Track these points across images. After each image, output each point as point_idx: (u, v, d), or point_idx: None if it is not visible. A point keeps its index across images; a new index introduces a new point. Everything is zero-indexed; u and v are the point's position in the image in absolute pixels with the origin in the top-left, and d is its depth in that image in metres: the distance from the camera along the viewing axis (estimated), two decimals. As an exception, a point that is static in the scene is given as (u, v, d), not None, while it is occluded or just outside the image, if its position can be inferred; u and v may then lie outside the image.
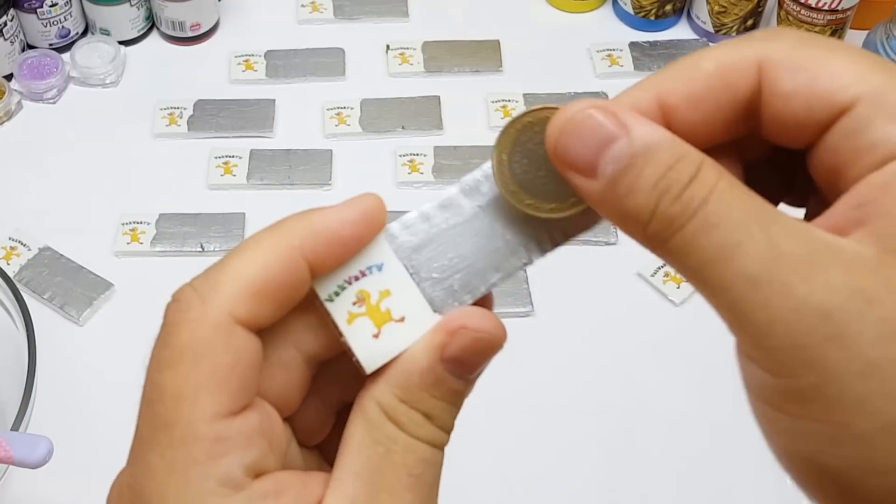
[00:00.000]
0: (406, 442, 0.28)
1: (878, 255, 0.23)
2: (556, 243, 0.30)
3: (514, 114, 0.29)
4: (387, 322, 0.29)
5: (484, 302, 0.30)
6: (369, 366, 0.28)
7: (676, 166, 0.25)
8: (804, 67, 0.26)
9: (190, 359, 0.27)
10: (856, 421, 0.23)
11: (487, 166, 0.29)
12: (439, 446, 0.29)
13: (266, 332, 0.29)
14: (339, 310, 0.29)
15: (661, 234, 0.25)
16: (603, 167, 0.26)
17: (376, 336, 0.29)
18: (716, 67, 0.26)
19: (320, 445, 0.31)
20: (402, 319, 0.29)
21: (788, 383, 0.24)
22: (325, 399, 0.30)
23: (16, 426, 0.62)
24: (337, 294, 0.29)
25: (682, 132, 0.26)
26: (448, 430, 0.29)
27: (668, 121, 0.27)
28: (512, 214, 0.29)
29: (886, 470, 0.23)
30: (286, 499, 0.27)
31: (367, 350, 0.28)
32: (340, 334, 0.29)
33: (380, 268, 0.29)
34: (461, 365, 0.28)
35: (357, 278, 0.29)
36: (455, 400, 0.29)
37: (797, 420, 0.24)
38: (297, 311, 0.29)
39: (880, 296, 0.23)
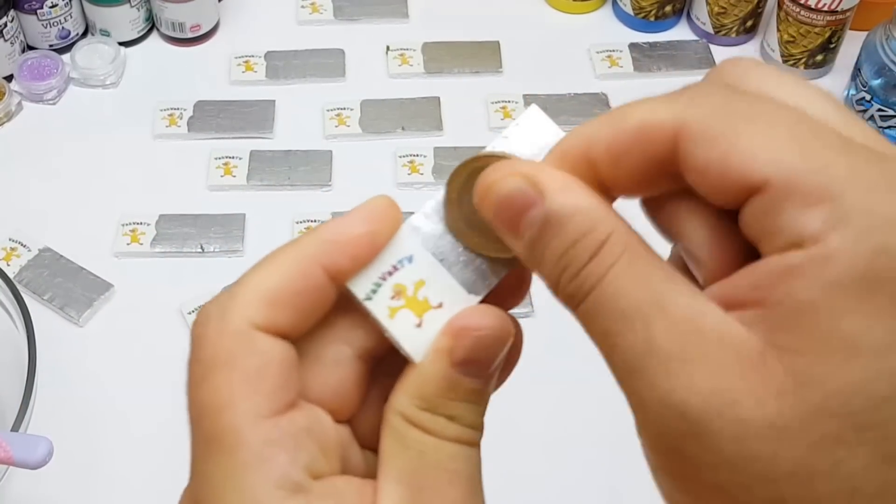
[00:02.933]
0: (435, 444, 0.28)
1: (760, 349, 0.23)
2: None
3: (465, 159, 0.30)
4: (427, 310, 0.29)
5: (521, 276, 0.31)
6: (418, 355, 0.29)
7: (581, 241, 0.26)
8: (719, 141, 0.25)
9: (219, 369, 0.28)
10: (719, 503, 0.24)
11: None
12: (471, 444, 0.29)
13: (313, 334, 0.29)
14: (380, 306, 0.29)
15: (566, 304, 0.27)
16: (523, 231, 0.27)
17: (419, 325, 0.29)
18: (636, 126, 0.26)
19: None
20: (440, 306, 0.29)
21: (660, 462, 0.26)
22: (386, 400, 0.30)
23: (16, 427, 0.62)
24: (374, 291, 0.29)
25: (607, 183, 0.27)
26: (477, 427, 0.29)
27: (593, 173, 0.27)
28: None
29: None
30: (342, 503, 0.28)
31: (413, 340, 0.29)
32: (385, 330, 0.29)
33: (410, 259, 0.30)
34: (472, 365, 0.29)
35: (390, 273, 0.30)
36: (477, 398, 0.29)
37: (672, 489, 0.26)
38: (342, 310, 0.30)
39: (742, 397, 0.23)
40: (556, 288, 0.27)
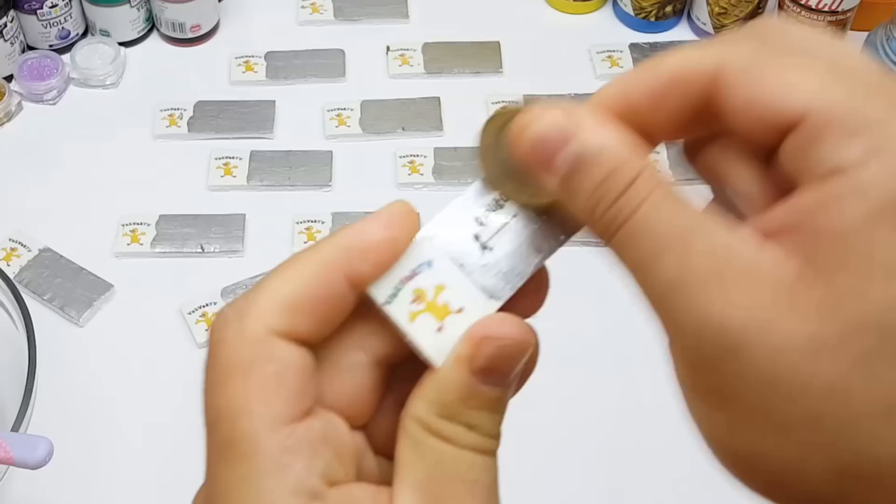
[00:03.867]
0: (453, 452, 0.28)
1: (798, 273, 0.24)
2: (568, 227, 0.31)
3: (500, 107, 0.30)
4: (447, 315, 0.29)
5: (539, 282, 0.31)
6: (438, 359, 0.29)
7: (614, 175, 0.26)
8: (757, 78, 0.26)
9: (236, 375, 0.28)
10: (748, 420, 0.25)
11: None
12: (488, 453, 0.29)
13: (329, 341, 0.29)
14: (400, 311, 0.29)
15: (603, 234, 0.27)
16: (557, 166, 0.27)
17: (440, 330, 0.29)
18: (674, 69, 0.27)
19: None
20: (460, 310, 0.29)
21: (699, 380, 0.26)
22: (402, 407, 0.30)
23: (16, 427, 0.62)
24: (394, 296, 0.29)
25: (647, 129, 0.28)
26: (494, 436, 0.29)
27: (633, 118, 0.28)
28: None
29: (772, 463, 0.25)
30: None
31: (434, 345, 0.29)
32: (405, 334, 0.29)
33: (430, 264, 0.30)
34: (492, 374, 0.29)
35: (410, 278, 0.29)
36: (495, 407, 0.29)
37: (708, 407, 0.26)
38: (359, 317, 0.30)
39: (781, 317, 0.24)
40: (592, 219, 0.27)
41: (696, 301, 0.25)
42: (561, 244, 0.30)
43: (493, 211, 0.30)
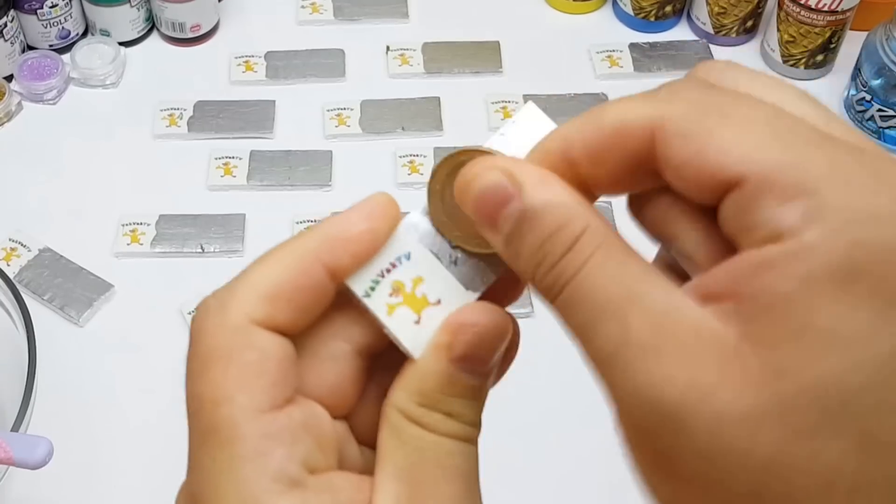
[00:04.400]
0: (432, 439, 0.28)
1: (736, 341, 0.23)
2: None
3: (450, 152, 0.30)
4: (425, 307, 0.30)
5: (517, 280, 0.31)
6: (416, 351, 0.29)
7: (557, 234, 0.26)
8: (694, 138, 0.25)
9: (217, 363, 0.28)
10: (688, 493, 0.24)
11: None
12: (468, 440, 0.29)
13: (311, 330, 0.30)
14: (378, 303, 0.30)
15: (544, 296, 0.27)
16: (501, 225, 0.27)
17: (417, 322, 0.29)
18: (612, 126, 0.26)
19: None
20: (438, 302, 0.30)
21: (637, 454, 0.25)
22: (384, 396, 0.31)
23: (16, 427, 0.62)
24: (373, 289, 0.30)
25: (588, 182, 0.27)
26: (474, 424, 0.29)
27: (574, 172, 0.27)
28: None
29: None
30: (339, 499, 0.28)
31: (412, 337, 0.29)
32: (383, 326, 0.30)
33: (408, 257, 0.30)
34: (470, 361, 0.29)
35: (388, 270, 0.30)
36: (474, 395, 0.29)
37: (649, 474, 0.26)
38: (340, 306, 0.30)
39: (720, 387, 0.23)
40: (533, 281, 0.27)
41: (635, 371, 0.24)
42: None
43: None
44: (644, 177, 0.27)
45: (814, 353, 0.22)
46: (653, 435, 0.24)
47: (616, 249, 0.26)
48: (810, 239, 0.23)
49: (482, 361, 0.29)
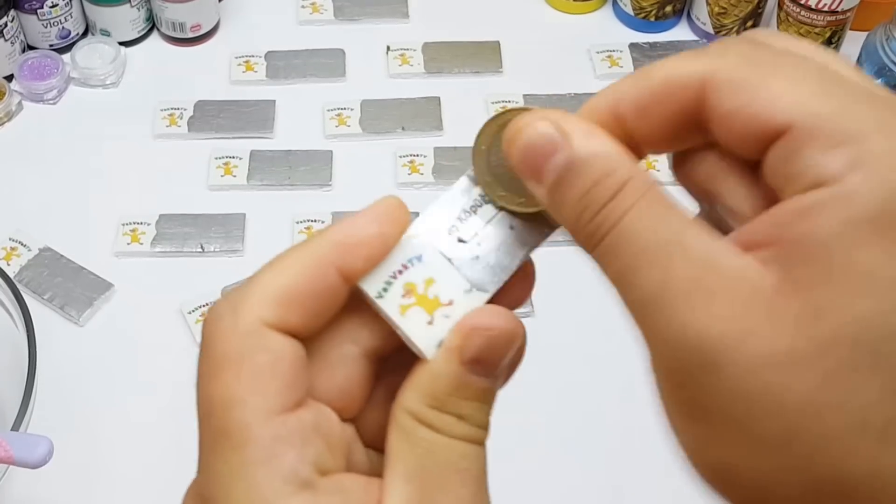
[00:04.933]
0: (444, 442, 0.29)
1: (776, 285, 0.24)
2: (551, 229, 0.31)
3: (495, 112, 0.31)
4: (437, 308, 0.30)
5: (525, 274, 0.31)
6: (429, 352, 0.29)
7: (602, 182, 0.26)
8: (745, 88, 0.26)
9: (229, 366, 0.28)
10: (723, 434, 0.25)
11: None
12: (477, 443, 0.29)
13: (321, 334, 0.30)
14: (391, 304, 0.30)
15: (585, 246, 0.27)
16: (546, 175, 0.28)
17: (430, 323, 0.30)
18: (662, 80, 0.27)
19: None
20: (450, 303, 0.30)
21: (675, 393, 0.26)
22: (391, 399, 0.31)
23: (16, 426, 0.62)
24: (385, 290, 0.30)
25: (636, 139, 0.28)
26: (483, 426, 0.30)
27: (622, 128, 0.28)
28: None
29: (746, 478, 0.25)
30: (349, 500, 0.28)
31: (425, 337, 0.30)
32: (396, 327, 0.30)
33: (419, 258, 0.30)
34: (481, 364, 0.29)
35: (400, 272, 0.30)
36: (484, 398, 0.29)
37: (683, 419, 0.26)
38: (349, 309, 0.30)
39: (758, 329, 0.24)
40: (576, 228, 0.27)
41: (676, 314, 0.25)
42: (545, 237, 0.31)
43: (481, 206, 0.31)
44: (691, 132, 0.27)
45: (851, 294, 0.23)
46: (692, 376, 0.25)
47: (659, 200, 0.26)
48: (853, 185, 0.24)
49: (493, 364, 0.29)
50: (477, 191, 0.31)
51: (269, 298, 0.28)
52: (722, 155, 0.27)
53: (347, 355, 0.30)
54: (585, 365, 0.76)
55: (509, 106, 0.92)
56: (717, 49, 0.27)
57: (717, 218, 0.28)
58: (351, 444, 0.30)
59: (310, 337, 0.29)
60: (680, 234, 0.25)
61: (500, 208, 0.31)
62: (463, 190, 0.31)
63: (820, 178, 0.24)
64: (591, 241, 0.27)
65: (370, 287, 0.30)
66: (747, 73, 0.26)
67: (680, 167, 0.29)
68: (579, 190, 0.27)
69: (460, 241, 0.31)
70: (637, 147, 0.28)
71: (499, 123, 0.30)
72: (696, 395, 0.25)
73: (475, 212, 0.31)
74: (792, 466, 0.24)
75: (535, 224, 0.31)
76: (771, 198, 0.26)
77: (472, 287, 0.30)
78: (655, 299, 0.25)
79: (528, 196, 0.29)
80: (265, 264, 0.30)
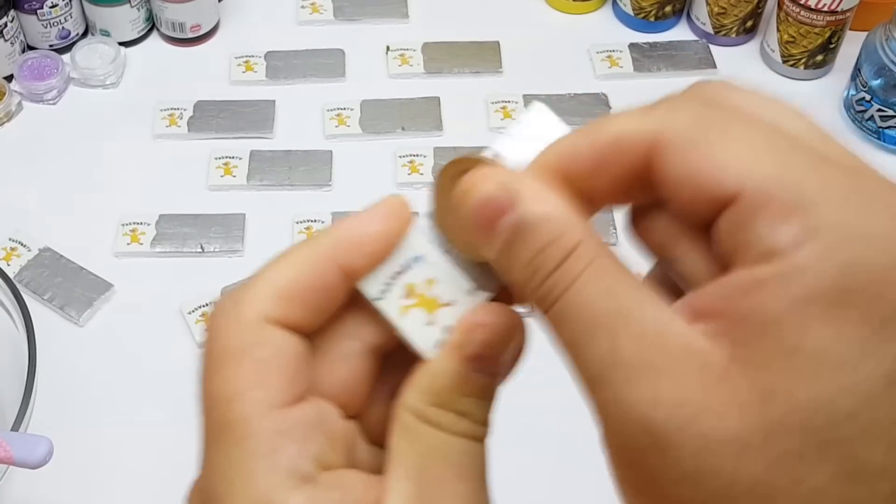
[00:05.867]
0: (444, 438, 0.29)
1: (724, 362, 0.23)
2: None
3: (451, 159, 0.30)
4: (437, 308, 0.30)
5: None
6: (429, 352, 0.29)
7: (550, 246, 0.26)
8: (693, 152, 0.25)
9: (231, 360, 0.28)
10: None
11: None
12: (479, 439, 0.29)
13: (324, 330, 0.30)
14: (391, 305, 0.30)
15: (537, 308, 0.27)
16: (496, 236, 0.27)
17: (430, 324, 0.30)
18: (612, 138, 0.27)
19: None
20: (450, 303, 0.30)
21: (620, 473, 0.26)
22: (395, 395, 0.31)
23: (16, 426, 0.62)
24: (385, 291, 0.30)
25: (589, 193, 0.27)
26: (485, 423, 0.30)
27: (575, 182, 0.27)
28: None
29: None
30: (350, 496, 0.28)
31: (425, 338, 0.30)
32: (396, 328, 0.30)
33: (420, 259, 0.30)
34: (482, 361, 0.29)
35: (401, 272, 0.30)
36: (485, 394, 0.29)
37: (630, 498, 0.26)
38: (353, 306, 0.30)
39: (705, 411, 0.23)
40: (527, 290, 0.27)
41: (623, 390, 0.24)
42: None
43: None
44: (643, 189, 0.27)
45: (802, 376, 0.22)
46: (638, 455, 0.24)
47: (608, 265, 0.26)
48: (803, 260, 0.23)
49: (493, 361, 0.29)
50: None
51: (271, 294, 0.29)
52: (675, 218, 0.27)
53: (350, 352, 0.30)
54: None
55: (510, 107, 0.92)
56: (667, 107, 0.26)
57: (671, 277, 0.28)
58: (354, 441, 0.30)
59: (312, 332, 0.30)
60: (627, 304, 0.25)
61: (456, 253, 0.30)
62: None
63: (769, 251, 0.23)
64: (542, 305, 0.26)
65: (370, 288, 0.30)
66: (696, 136, 0.25)
67: (635, 227, 0.28)
68: (527, 254, 0.26)
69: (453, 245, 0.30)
70: (591, 202, 0.28)
71: (454, 171, 0.30)
72: (645, 473, 0.24)
73: None
74: None
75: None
76: (724, 263, 0.25)
77: (474, 287, 0.30)
78: (602, 374, 0.25)
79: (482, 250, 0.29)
80: (269, 261, 0.30)
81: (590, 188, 0.27)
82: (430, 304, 0.30)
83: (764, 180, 0.24)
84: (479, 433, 0.29)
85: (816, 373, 0.22)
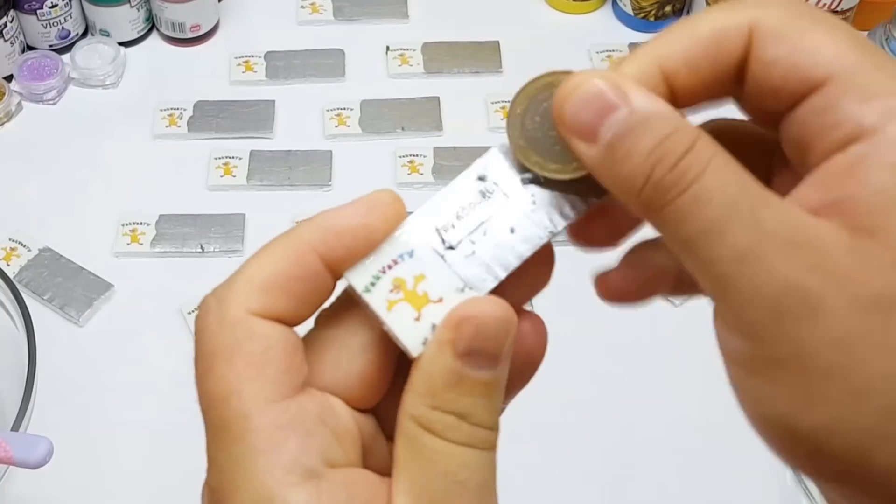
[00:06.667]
0: (445, 448, 0.28)
1: (849, 240, 0.25)
2: (576, 210, 0.30)
3: (533, 76, 0.30)
4: (426, 304, 0.29)
5: (546, 256, 0.31)
6: (415, 348, 0.29)
7: (673, 136, 0.26)
8: (788, 38, 0.27)
9: (221, 358, 0.28)
10: (825, 387, 0.25)
11: (496, 149, 0.31)
12: (483, 447, 0.28)
13: (329, 322, 0.30)
14: (378, 299, 0.29)
15: (655, 202, 0.26)
16: (603, 133, 0.27)
17: (417, 319, 0.29)
18: (710, 32, 0.28)
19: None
20: (440, 300, 0.29)
21: (766, 352, 0.25)
22: None
23: (16, 427, 0.62)
24: (373, 284, 0.29)
25: (682, 95, 0.28)
26: (488, 426, 0.28)
27: (670, 85, 0.28)
28: (529, 188, 0.30)
29: (851, 431, 0.25)
30: (357, 498, 0.27)
31: (411, 334, 0.29)
32: (383, 323, 0.29)
33: (411, 254, 0.30)
34: (476, 356, 0.28)
35: (390, 267, 0.29)
36: (486, 392, 0.28)
37: (771, 385, 0.26)
38: (355, 299, 0.30)
39: (852, 275, 0.24)
40: (645, 185, 0.26)
41: (776, 263, 0.25)
42: (549, 235, 0.30)
43: (480, 202, 0.30)
44: (729, 85, 0.28)
45: None
46: (787, 325, 0.25)
47: (729, 159, 0.26)
48: (893, 133, 0.25)
49: (489, 355, 0.28)
50: (478, 186, 0.30)
51: (252, 287, 0.28)
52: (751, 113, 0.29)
53: (357, 343, 0.30)
54: (585, 365, 0.76)
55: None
56: (756, 1, 0.28)
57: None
58: (370, 437, 0.30)
59: (299, 323, 0.29)
60: (760, 192, 0.26)
61: (530, 180, 0.30)
62: (462, 186, 0.31)
63: (858, 129, 0.25)
64: (662, 199, 0.26)
65: (357, 280, 0.29)
66: (789, 26, 0.27)
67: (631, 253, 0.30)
68: (649, 144, 0.26)
69: (456, 237, 0.30)
70: (681, 99, 0.28)
71: (538, 85, 0.30)
72: (790, 348, 0.25)
73: (474, 208, 0.30)
74: None
75: (540, 218, 0.30)
76: (798, 159, 0.27)
77: (464, 286, 0.29)
78: (746, 255, 0.25)
79: (563, 163, 0.29)
80: (250, 255, 0.30)
81: (686, 85, 0.28)
82: (418, 300, 0.29)
83: (851, 65, 0.26)
84: (483, 439, 0.28)
85: None
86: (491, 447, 0.28)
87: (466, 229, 0.30)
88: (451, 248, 0.30)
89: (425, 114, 0.92)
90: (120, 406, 0.75)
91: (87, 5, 0.96)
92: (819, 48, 0.26)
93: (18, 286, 0.71)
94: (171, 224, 0.84)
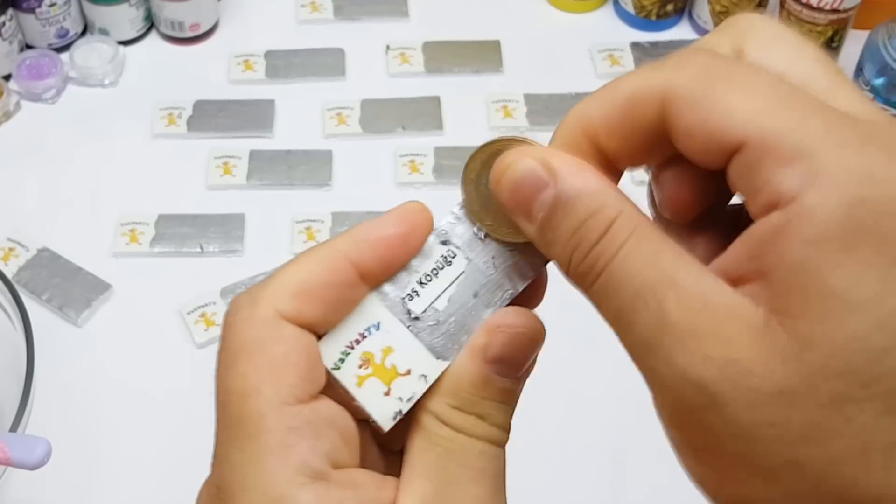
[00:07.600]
0: (463, 441, 0.29)
1: (765, 319, 0.24)
2: (535, 269, 0.31)
3: (485, 140, 0.31)
4: (394, 378, 0.30)
5: (535, 292, 0.32)
6: (386, 423, 0.30)
7: (589, 221, 0.26)
8: (700, 103, 0.26)
9: (246, 356, 0.29)
10: (734, 471, 0.25)
11: (457, 209, 0.31)
12: (497, 444, 0.30)
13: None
14: (348, 375, 0.30)
15: (579, 284, 0.27)
16: (535, 213, 0.28)
17: (387, 394, 0.30)
18: (626, 96, 0.27)
19: (403, 451, 0.32)
20: (407, 373, 0.30)
21: (682, 436, 0.26)
22: None
23: (14, 427, 0.62)
24: (342, 361, 0.30)
25: (612, 157, 0.28)
26: (504, 427, 0.30)
27: (595, 147, 0.28)
28: (488, 249, 0.31)
29: None
30: (364, 495, 0.28)
31: (381, 409, 0.30)
32: (353, 398, 0.30)
33: (377, 327, 0.30)
34: (505, 363, 0.30)
35: (358, 342, 0.30)
36: (506, 398, 0.30)
37: (690, 459, 0.26)
38: None
39: (754, 368, 0.24)
40: (568, 268, 0.27)
41: (674, 356, 0.25)
42: (511, 296, 0.31)
43: (444, 267, 0.31)
44: (662, 146, 0.27)
45: (834, 318, 0.23)
46: (695, 416, 0.25)
47: (649, 234, 0.26)
48: (809, 202, 0.23)
49: (516, 364, 0.30)
50: (440, 251, 0.31)
51: (286, 290, 0.29)
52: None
53: None
54: (585, 365, 0.76)
55: (510, 106, 0.92)
56: (675, 61, 0.27)
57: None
58: (366, 445, 0.31)
59: (326, 331, 0.30)
60: (672, 271, 0.25)
61: (487, 237, 0.31)
62: (425, 254, 0.31)
63: (777, 196, 0.24)
64: (585, 280, 0.27)
65: (327, 358, 0.30)
66: (702, 89, 0.26)
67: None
68: (569, 228, 0.27)
69: (420, 306, 0.30)
70: (613, 166, 0.28)
71: (488, 153, 0.30)
72: (700, 435, 0.25)
73: (436, 275, 0.31)
74: (803, 493, 0.24)
75: (501, 279, 0.31)
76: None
77: (431, 355, 0.30)
78: (652, 340, 0.25)
79: (516, 227, 0.29)
80: (287, 260, 0.30)
81: (611, 148, 0.28)
82: (387, 374, 0.30)
83: (766, 128, 0.24)
84: (497, 437, 0.30)
85: (846, 314, 0.23)
86: (503, 445, 0.30)
87: (430, 297, 0.31)
88: (417, 318, 0.30)
89: (426, 113, 0.92)
90: (118, 407, 0.74)
91: (85, 4, 0.95)
92: (732, 111, 0.25)
93: (17, 286, 0.71)
94: (171, 224, 0.84)
